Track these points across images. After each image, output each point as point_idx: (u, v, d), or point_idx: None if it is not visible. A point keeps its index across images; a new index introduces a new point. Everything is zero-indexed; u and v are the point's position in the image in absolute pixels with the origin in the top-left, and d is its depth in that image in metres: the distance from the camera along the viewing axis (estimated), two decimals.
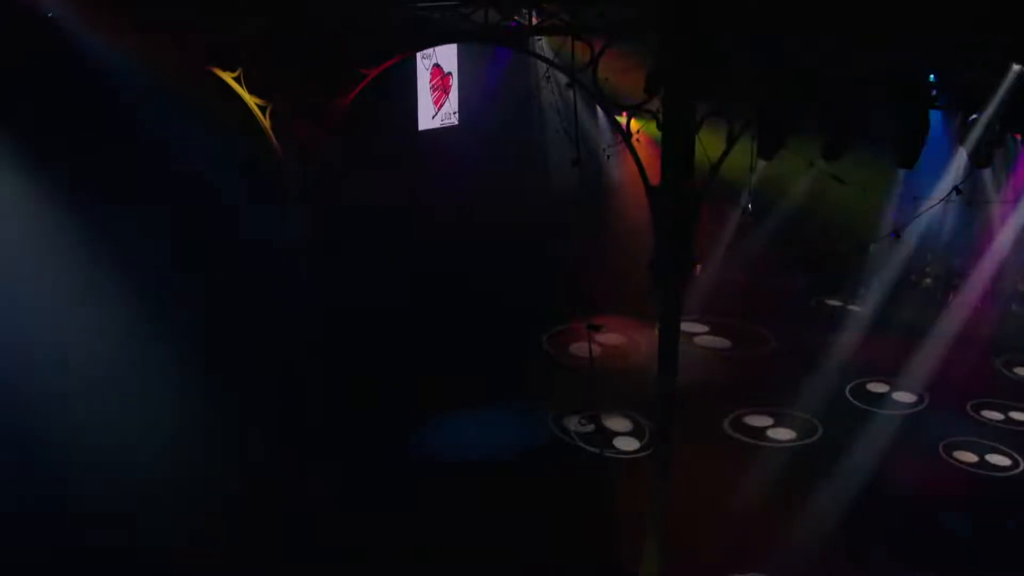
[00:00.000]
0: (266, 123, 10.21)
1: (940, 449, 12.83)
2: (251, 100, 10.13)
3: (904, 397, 14.48)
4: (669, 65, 8.04)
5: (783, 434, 13.35)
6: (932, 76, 9.23)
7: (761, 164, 12.50)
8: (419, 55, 15.62)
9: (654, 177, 8.47)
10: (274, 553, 10.00)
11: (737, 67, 8.11)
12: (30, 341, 9.37)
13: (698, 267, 8.73)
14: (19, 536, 8.93)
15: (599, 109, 14.96)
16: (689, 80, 7.99)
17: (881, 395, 14.57)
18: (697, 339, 16.54)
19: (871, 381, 14.91)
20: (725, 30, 7.94)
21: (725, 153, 8.43)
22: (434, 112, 16.65)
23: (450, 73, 16.86)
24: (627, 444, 12.74)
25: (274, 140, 10.30)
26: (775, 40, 8.11)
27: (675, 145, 8.23)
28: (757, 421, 13.69)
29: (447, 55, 16.55)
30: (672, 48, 7.98)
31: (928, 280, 17.86)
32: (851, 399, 14.42)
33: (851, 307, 17.71)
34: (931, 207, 12.81)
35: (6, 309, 9.19)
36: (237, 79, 10.04)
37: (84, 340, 9.81)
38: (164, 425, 10.60)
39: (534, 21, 9.77)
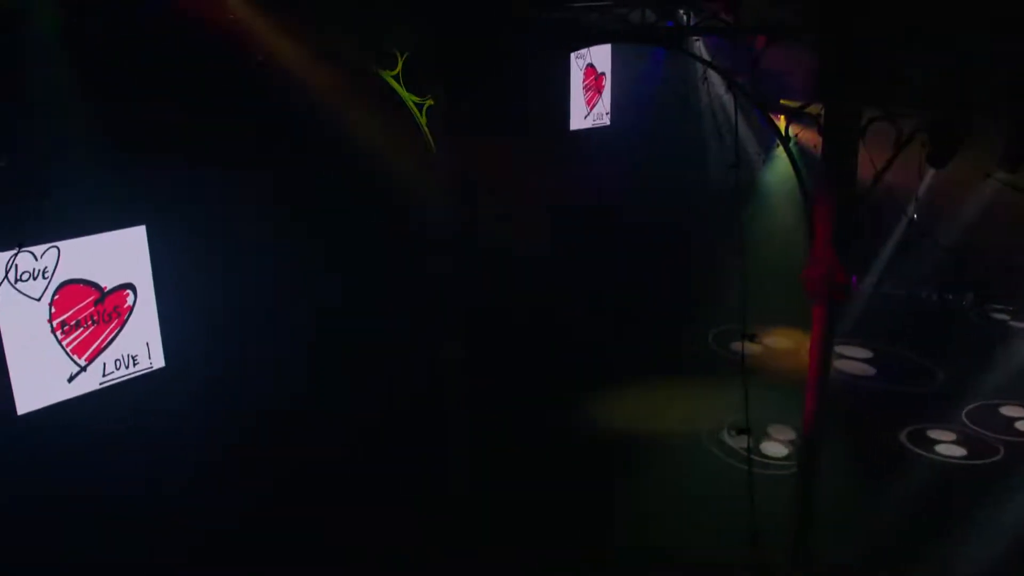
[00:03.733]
0: (423, 120, 10.47)
1: None
2: (409, 98, 10.42)
3: None
4: (833, 67, 7.69)
5: (954, 451, 12.77)
6: None
7: (930, 172, 11.81)
8: (573, 55, 15.64)
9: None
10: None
11: (908, 68, 7.65)
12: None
13: (855, 280, 8.32)
14: None
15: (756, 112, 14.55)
16: (854, 83, 7.62)
17: None
18: (842, 363, 15.65)
19: None
20: (896, 29, 7.51)
21: (890, 160, 7.98)
22: (586, 112, 16.64)
23: (603, 73, 16.80)
24: (776, 451, 12.55)
25: (430, 137, 10.55)
26: (950, 40, 7.59)
27: (836, 151, 7.87)
28: (935, 435, 13.19)
29: (601, 55, 16.50)
30: (837, 49, 7.63)
31: None
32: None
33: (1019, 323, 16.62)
34: None
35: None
36: (396, 77, 10.35)
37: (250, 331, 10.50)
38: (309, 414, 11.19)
39: (691, 21, 9.58)
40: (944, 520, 10.67)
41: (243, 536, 9.89)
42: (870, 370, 15.72)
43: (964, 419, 13.63)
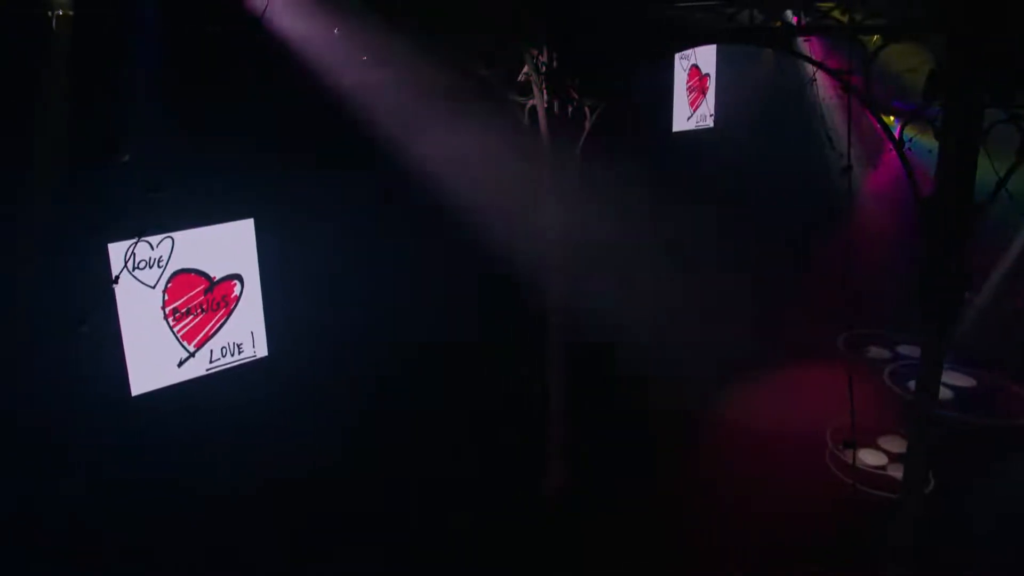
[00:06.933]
0: (526, 121, 10.47)
1: None
2: (513, 99, 10.42)
3: None
4: (956, 67, 7.32)
5: None
6: None
7: None
8: (677, 56, 15.41)
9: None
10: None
11: None
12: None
13: (968, 294, 7.90)
14: None
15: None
16: (979, 84, 7.23)
17: None
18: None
19: None
20: None
21: (1015, 165, 7.54)
22: (689, 114, 16.37)
23: (708, 74, 16.50)
24: (878, 461, 12.07)
25: (531, 137, 10.52)
26: None
27: (955, 156, 7.49)
28: None
29: (706, 56, 16.21)
30: (961, 48, 7.25)
31: None
32: None
33: None
34: None
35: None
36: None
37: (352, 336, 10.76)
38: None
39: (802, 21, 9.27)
40: None
41: (339, 528, 10.12)
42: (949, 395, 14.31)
43: None
